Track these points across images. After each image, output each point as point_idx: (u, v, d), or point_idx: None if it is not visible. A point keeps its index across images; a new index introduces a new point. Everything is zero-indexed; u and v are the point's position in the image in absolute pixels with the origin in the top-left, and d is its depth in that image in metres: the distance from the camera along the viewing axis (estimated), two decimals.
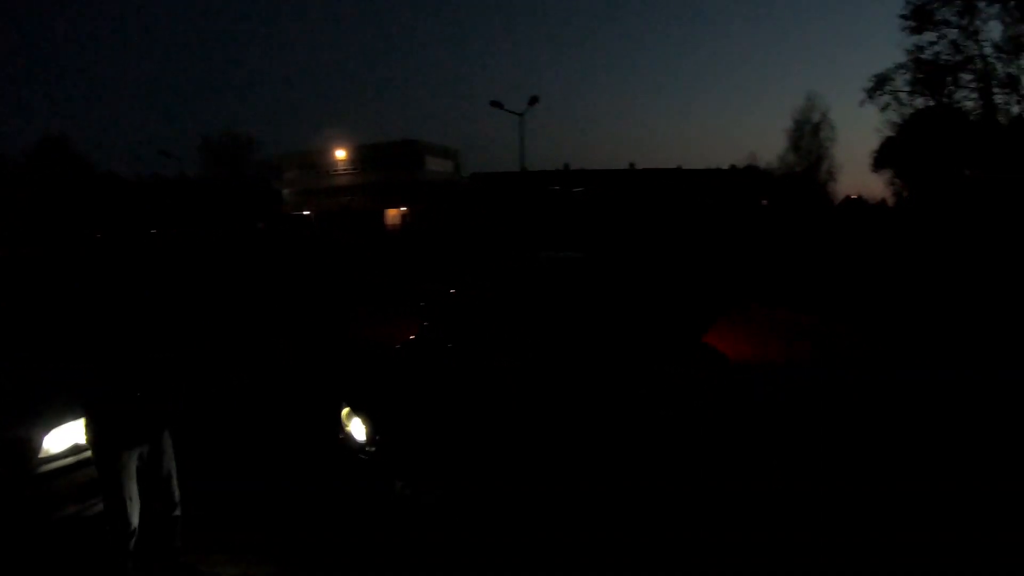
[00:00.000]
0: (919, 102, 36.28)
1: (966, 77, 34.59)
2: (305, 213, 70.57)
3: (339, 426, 4.89)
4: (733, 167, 64.53)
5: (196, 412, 3.92)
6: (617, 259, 8.67)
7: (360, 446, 4.63)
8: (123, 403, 3.47)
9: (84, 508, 4.18)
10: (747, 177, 60.22)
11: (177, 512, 3.80)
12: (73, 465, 4.16)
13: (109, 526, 3.55)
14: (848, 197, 60.99)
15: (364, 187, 66.85)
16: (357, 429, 4.70)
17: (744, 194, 55.86)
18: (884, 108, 37.09)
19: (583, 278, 6.94)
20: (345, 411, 4.89)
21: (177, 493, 3.81)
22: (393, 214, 67.28)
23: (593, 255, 8.51)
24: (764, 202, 56.73)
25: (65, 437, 4.19)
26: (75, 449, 4.20)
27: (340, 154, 69.28)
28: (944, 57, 34.42)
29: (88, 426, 3.55)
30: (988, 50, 33.43)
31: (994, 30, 34.17)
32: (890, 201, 49.69)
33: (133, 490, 3.55)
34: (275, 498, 4.97)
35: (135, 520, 3.55)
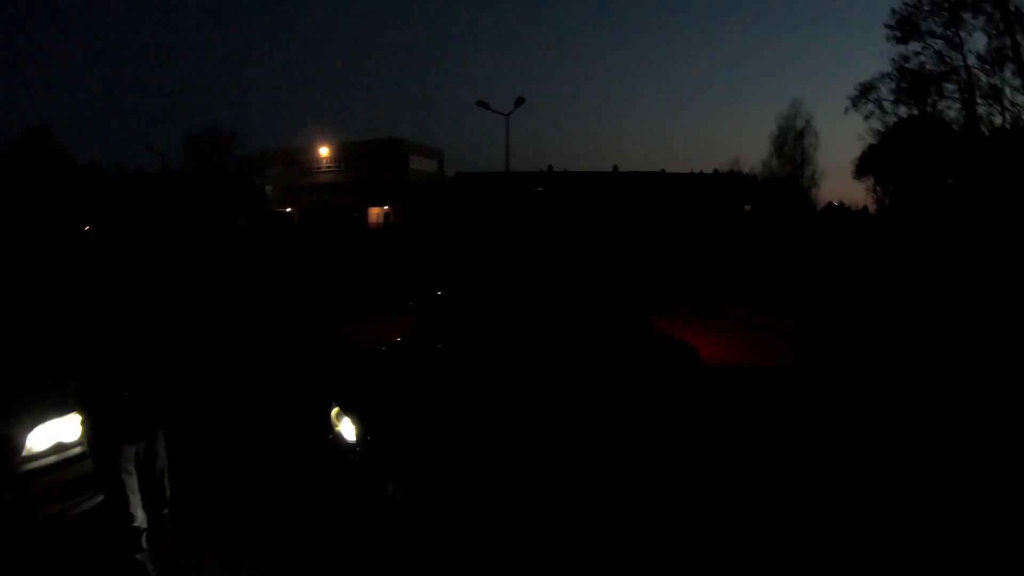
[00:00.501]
0: (903, 111, 36.71)
1: (950, 87, 35.02)
2: (287, 210, 70.24)
3: (329, 426, 4.81)
4: (716, 171, 64.90)
5: (190, 409, 3.82)
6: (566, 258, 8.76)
7: (350, 446, 4.56)
8: (122, 398, 3.38)
9: (68, 508, 4.09)
10: (730, 182, 60.55)
11: (166, 511, 3.71)
12: (57, 464, 4.07)
13: (116, 526, 3.45)
14: (830, 203, 61.56)
15: (347, 185, 66.66)
16: (347, 429, 4.63)
17: (727, 198, 56.21)
18: (868, 116, 37.54)
19: (549, 276, 7.12)
20: (335, 411, 4.81)
21: (168, 492, 3.72)
22: (376, 213, 67.12)
23: (548, 254, 8.69)
24: (747, 207, 57.11)
25: (49, 435, 4.10)
26: (59, 447, 4.11)
27: (323, 151, 69.04)
28: (928, 67, 34.86)
29: (86, 422, 3.46)
30: (972, 61, 33.84)
31: (978, 42, 34.62)
32: (872, 208, 50.25)
33: (135, 486, 3.46)
34: (266, 498, 4.90)
35: (140, 516, 3.46)
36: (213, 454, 5.58)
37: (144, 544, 3.46)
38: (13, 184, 48.15)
